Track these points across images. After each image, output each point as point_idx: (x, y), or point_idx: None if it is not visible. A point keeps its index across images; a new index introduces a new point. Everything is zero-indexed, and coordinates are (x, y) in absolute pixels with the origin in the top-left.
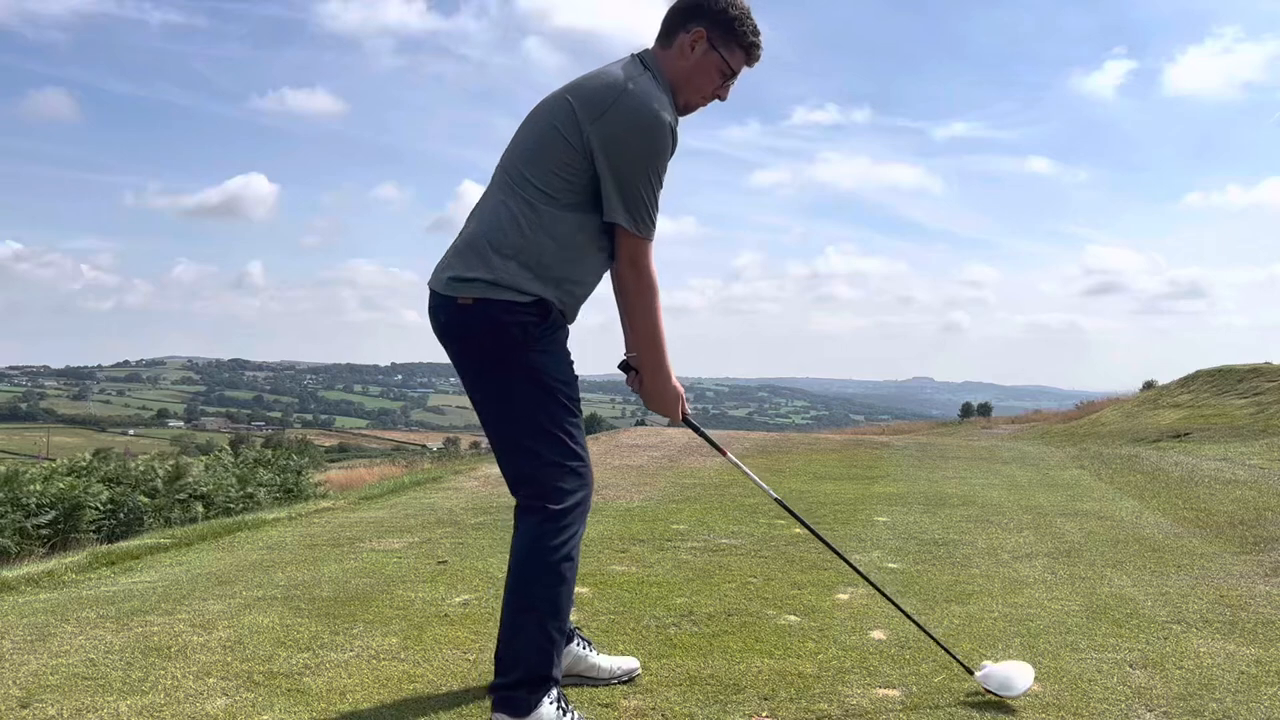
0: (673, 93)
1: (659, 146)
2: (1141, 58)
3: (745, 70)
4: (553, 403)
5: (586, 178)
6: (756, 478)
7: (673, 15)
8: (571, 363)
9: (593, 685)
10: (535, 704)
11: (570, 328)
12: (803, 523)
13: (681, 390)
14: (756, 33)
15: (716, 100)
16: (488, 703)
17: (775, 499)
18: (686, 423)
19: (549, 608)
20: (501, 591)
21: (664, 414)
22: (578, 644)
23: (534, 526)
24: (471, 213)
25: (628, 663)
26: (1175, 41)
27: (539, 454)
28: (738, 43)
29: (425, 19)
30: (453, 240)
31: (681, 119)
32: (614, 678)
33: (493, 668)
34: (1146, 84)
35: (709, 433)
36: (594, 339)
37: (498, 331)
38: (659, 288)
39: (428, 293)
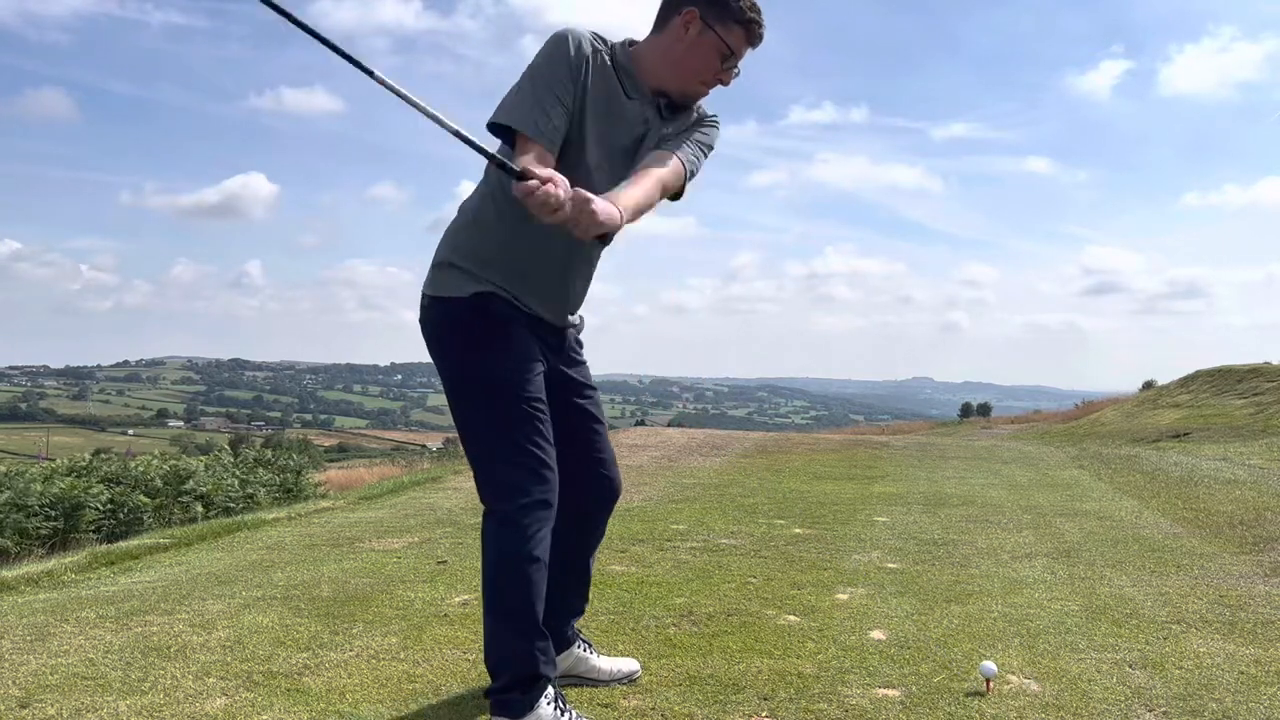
0: (667, 80)
1: (548, 49)
2: (1138, 57)
3: (749, 53)
4: (502, 401)
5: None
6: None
7: (665, 1)
8: (531, 355)
9: (592, 686)
10: (531, 704)
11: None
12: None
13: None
14: (754, 8)
15: (720, 86)
16: (487, 704)
17: None
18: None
19: (521, 610)
20: None
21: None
22: (578, 646)
23: (493, 529)
24: None
25: (628, 664)
26: (1172, 41)
27: (492, 453)
28: (734, 19)
29: (421, 18)
30: None
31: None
32: (614, 679)
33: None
34: (1143, 84)
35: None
36: (593, 340)
37: (443, 328)
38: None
39: None
